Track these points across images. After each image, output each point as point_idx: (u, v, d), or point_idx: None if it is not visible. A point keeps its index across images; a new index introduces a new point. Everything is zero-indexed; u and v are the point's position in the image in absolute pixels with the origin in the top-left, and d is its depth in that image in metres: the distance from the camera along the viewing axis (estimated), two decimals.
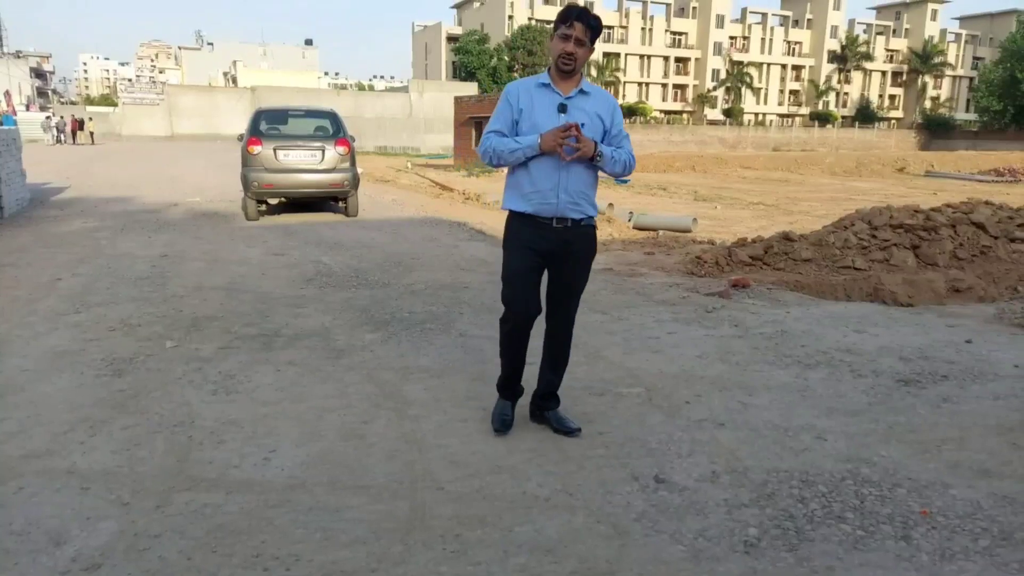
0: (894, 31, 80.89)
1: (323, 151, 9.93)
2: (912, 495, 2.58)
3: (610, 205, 14.30)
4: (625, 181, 2.93)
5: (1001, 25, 76.49)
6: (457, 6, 78.40)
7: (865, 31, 78.95)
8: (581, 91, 2.88)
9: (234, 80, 67.75)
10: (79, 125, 40.36)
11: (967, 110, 76.09)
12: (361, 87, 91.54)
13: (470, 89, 49.13)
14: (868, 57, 75.30)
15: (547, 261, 2.98)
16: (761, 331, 4.75)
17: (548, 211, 2.87)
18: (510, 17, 67.13)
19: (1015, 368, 3.98)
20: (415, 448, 2.98)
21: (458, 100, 31.75)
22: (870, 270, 6.59)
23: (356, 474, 2.76)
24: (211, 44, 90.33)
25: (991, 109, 63.30)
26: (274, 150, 9.72)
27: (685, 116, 71.17)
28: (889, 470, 2.76)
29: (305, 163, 9.87)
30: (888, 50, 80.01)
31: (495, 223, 10.93)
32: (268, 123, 10.30)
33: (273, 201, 10.91)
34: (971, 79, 76.89)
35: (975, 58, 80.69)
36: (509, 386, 3.23)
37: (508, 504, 2.54)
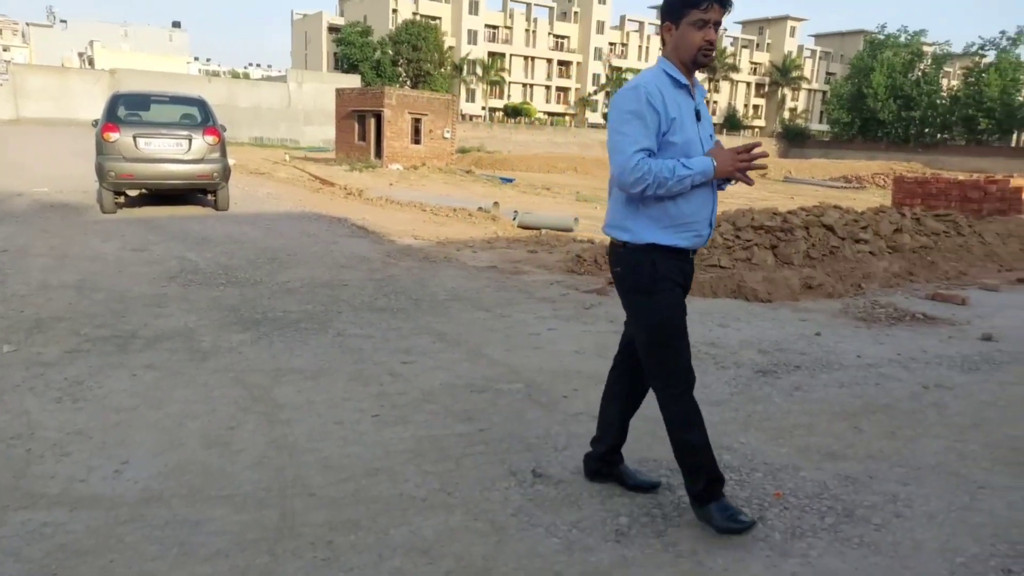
0: (757, 45, 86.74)
1: (190, 140, 9.33)
2: (767, 478, 2.76)
3: (495, 204, 14.44)
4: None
5: (851, 43, 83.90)
6: None
7: (732, 44, 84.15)
8: (700, 89, 2.38)
9: (91, 62, 62.40)
10: None
11: (820, 121, 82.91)
12: (236, 75, 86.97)
13: (353, 81, 47.93)
14: (735, 68, 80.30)
15: None
16: None
17: (697, 244, 2.38)
18: (394, 11, 66.12)
19: (857, 358, 4.36)
20: (285, 453, 2.85)
21: (340, 92, 30.87)
22: (734, 268, 7.01)
23: (219, 483, 2.60)
24: (64, 21, 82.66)
25: (841, 121, 69.46)
26: (134, 138, 9.04)
27: (568, 118, 72.98)
28: (747, 456, 2.94)
29: (169, 153, 9.23)
30: (752, 63, 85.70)
31: (378, 219, 10.72)
32: (127, 108, 9.57)
33: (133, 193, 10.14)
34: (824, 92, 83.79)
35: (828, 73, 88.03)
36: (719, 476, 2.39)
37: (384, 506, 2.48)
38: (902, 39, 66.91)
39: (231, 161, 10.48)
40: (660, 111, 2.23)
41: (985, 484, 2.77)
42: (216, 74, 79.15)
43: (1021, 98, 61.96)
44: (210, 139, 9.48)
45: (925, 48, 66.57)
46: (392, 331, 4.58)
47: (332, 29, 68.54)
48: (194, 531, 2.28)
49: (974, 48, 62.99)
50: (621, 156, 2.23)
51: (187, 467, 2.71)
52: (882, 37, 68.25)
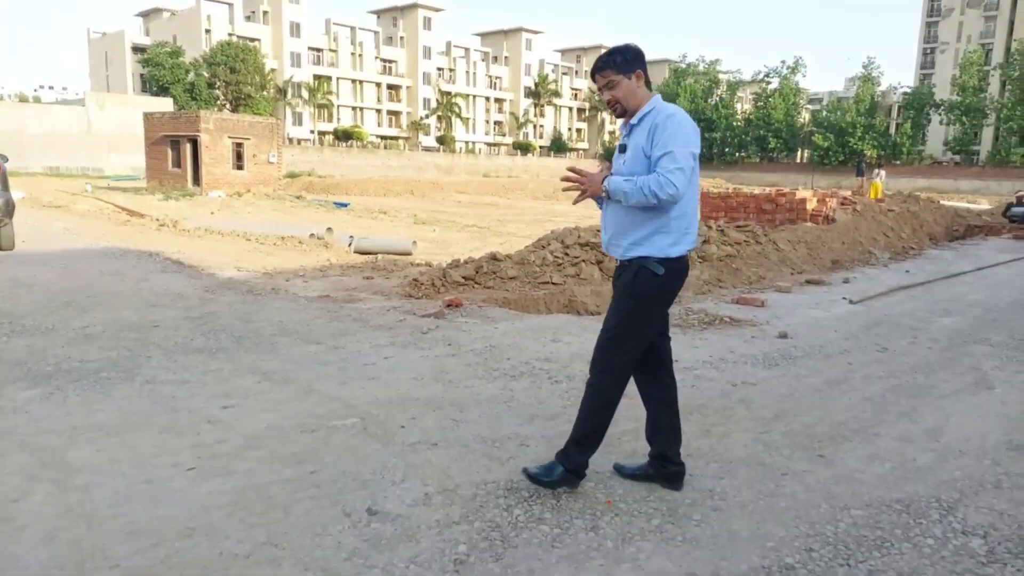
0: (576, 72, 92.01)
1: None
2: (599, 487, 2.85)
3: (329, 230, 14.01)
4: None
5: (658, 71, 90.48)
6: (143, 15, 70.87)
7: (553, 71, 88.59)
8: (631, 125, 2.72)
9: None
10: None
11: None
12: (23, 98, 77.74)
13: (164, 105, 44.58)
14: (557, 94, 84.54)
15: None
16: (472, 348, 4.95)
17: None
18: (207, 31, 62.57)
19: (675, 362, 4.65)
20: (83, 524, 2.52)
21: (149, 117, 28.59)
22: (565, 284, 7.30)
23: (1, 567, 2.24)
24: None
25: None
26: None
27: (401, 142, 72.85)
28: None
29: None
30: (573, 88, 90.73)
31: (196, 251, 9.99)
32: None
33: None
34: None
35: None
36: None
37: (201, 570, 2.25)
38: (700, 67, 73.96)
39: (16, 194, 9.32)
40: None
41: (787, 471, 3.06)
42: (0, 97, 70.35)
43: (801, 120, 70.74)
44: None
45: (721, 76, 74.05)
46: (210, 374, 4.24)
47: (137, 49, 63.51)
48: None
49: (761, 76, 71.05)
50: None
51: None
52: (684, 66, 75.03)
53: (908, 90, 66.14)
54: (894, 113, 67.92)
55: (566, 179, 2.73)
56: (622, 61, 2.69)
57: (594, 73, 2.75)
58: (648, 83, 2.74)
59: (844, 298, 7.23)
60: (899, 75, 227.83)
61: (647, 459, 2.93)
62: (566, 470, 2.73)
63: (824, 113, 67.90)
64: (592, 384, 2.78)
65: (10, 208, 8.74)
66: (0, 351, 4.61)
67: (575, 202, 2.79)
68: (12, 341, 4.86)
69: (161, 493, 2.76)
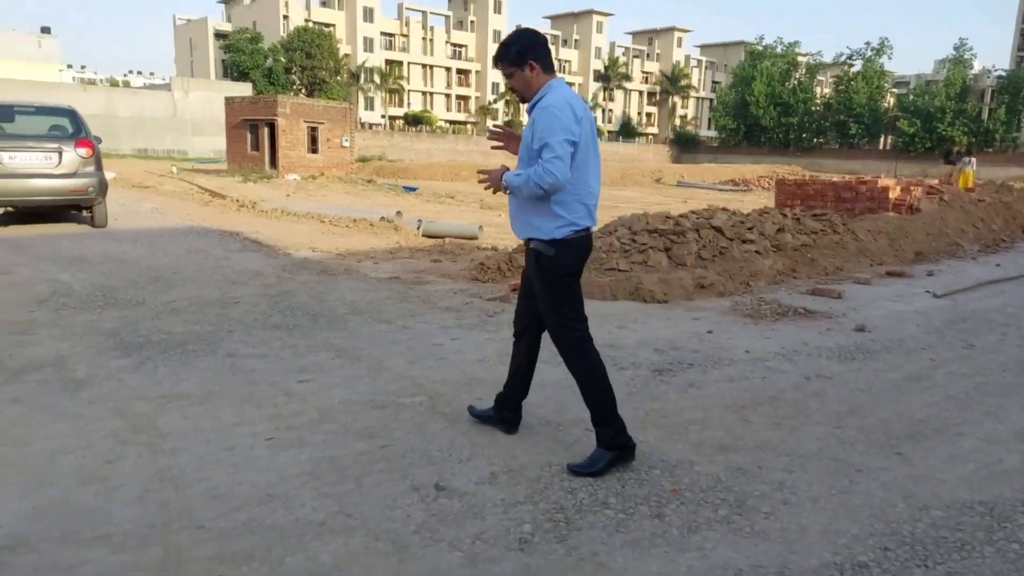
0: (647, 55, 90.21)
1: (60, 153, 8.71)
2: (665, 475, 2.84)
3: (398, 213, 14.26)
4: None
5: (733, 53, 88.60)
6: (225, 1, 73.36)
7: (624, 54, 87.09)
8: (528, 113, 2.86)
9: None
10: None
11: (709, 128, 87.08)
12: (114, 83, 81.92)
13: (244, 90, 46.13)
14: (627, 78, 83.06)
15: None
16: None
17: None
18: (285, 17, 64.27)
19: (745, 353, 4.57)
20: (170, 486, 2.67)
21: (230, 101, 29.65)
22: (631, 271, 7.21)
23: (96, 523, 2.41)
24: None
25: (727, 127, 73.16)
26: None
27: (469, 127, 73.24)
28: (646, 454, 3.01)
29: (37, 167, 8.58)
30: (643, 72, 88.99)
31: (273, 232, 10.35)
32: None
33: None
34: (711, 100, 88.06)
35: (714, 82, 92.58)
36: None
37: (278, 535, 2.37)
38: (778, 50, 71.27)
39: (109, 175, 9.87)
40: None
41: (862, 467, 2.96)
42: (92, 82, 74.21)
43: (886, 104, 67.40)
44: (83, 152, 8.89)
45: (799, 58, 71.20)
46: (287, 349, 4.41)
47: (219, 35, 65.79)
48: None
49: (843, 58, 67.96)
50: None
51: (59, 507, 2.50)
52: (760, 48, 72.46)
53: (1003, 73, 61.98)
54: (987, 98, 63.83)
55: (481, 181, 2.98)
56: (515, 54, 2.80)
57: (494, 62, 2.94)
58: (548, 67, 2.82)
59: (927, 291, 6.90)
60: (994, 57, 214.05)
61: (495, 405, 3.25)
62: (609, 452, 2.85)
63: (911, 97, 64.40)
64: (574, 375, 3.00)
65: (103, 187, 9.25)
66: (96, 322, 4.92)
67: (495, 193, 2.97)
68: (106, 313, 5.18)
69: (242, 460, 2.90)
